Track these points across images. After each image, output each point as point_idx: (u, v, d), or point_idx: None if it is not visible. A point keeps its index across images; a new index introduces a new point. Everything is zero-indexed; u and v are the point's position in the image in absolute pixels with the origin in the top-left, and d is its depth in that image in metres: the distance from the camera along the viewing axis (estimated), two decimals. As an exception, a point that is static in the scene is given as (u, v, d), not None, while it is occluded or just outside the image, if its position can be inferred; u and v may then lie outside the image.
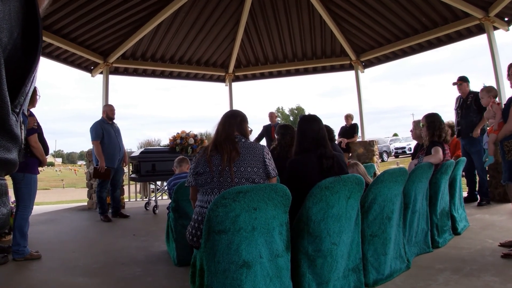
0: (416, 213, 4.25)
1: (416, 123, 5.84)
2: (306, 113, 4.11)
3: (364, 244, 3.44)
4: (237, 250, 2.51)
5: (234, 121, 3.15)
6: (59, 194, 19.43)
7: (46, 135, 4.88)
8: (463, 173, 6.75)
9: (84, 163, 10.76)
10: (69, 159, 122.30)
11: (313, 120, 3.57)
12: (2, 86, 0.66)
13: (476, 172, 7.33)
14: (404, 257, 3.83)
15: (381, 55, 11.25)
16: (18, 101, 0.74)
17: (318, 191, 2.91)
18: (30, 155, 4.58)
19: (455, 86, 7.45)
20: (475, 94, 7.03)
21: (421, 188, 4.34)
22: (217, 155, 2.93)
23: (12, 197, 5.00)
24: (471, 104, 7.12)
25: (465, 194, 7.49)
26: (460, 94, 7.44)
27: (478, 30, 9.05)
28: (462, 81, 7.35)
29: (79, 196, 14.16)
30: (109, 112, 7.71)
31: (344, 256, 3.14)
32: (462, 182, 7.21)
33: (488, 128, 5.86)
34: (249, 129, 3.27)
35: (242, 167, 2.89)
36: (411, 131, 6.06)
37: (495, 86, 7.67)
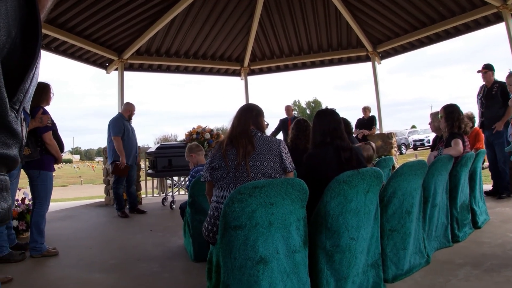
0: (436, 207, 4.17)
1: (433, 115, 5.74)
2: (323, 107, 4.06)
3: (383, 239, 3.38)
4: (254, 246, 2.48)
5: (249, 115, 3.11)
6: (77, 191, 19.64)
7: (64, 133, 4.90)
8: (484, 165, 6.59)
9: (102, 159, 10.84)
10: (87, 155, 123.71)
11: (323, 114, 3.56)
12: None
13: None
14: (424, 252, 3.76)
15: (398, 46, 11.05)
16: (17, 98, 0.75)
17: (336, 185, 2.85)
18: (45, 152, 4.59)
19: (479, 75, 7.23)
20: (501, 83, 6.83)
21: (441, 181, 4.25)
22: (232, 150, 2.90)
23: (29, 194, 5.04)
24: (496, 94, 6.87)
25: (489, 187, 7.34)
26: (484, 83, 7.20)
27: (496, 18, 8.83)
28: (487, 69, 7.07)
29: (97, 193, 14.27)
30: (133, 111, 7.78)
31: (363, 251, 3.08)
32: (487, 175, 7.06)
33: None
34: (265, 123, 3.22)
35: (258, 161, 2.84)
36: (429, 124, 5.96)
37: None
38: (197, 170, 4.88)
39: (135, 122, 7.97)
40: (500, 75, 7.09)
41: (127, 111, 7.78)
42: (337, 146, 3.24)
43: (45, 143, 4.56)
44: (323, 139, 3.32)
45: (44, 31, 8.13)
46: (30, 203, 5.53)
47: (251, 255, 2.47)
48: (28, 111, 0.85)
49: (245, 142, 2.88)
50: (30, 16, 0.77)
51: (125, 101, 8.55)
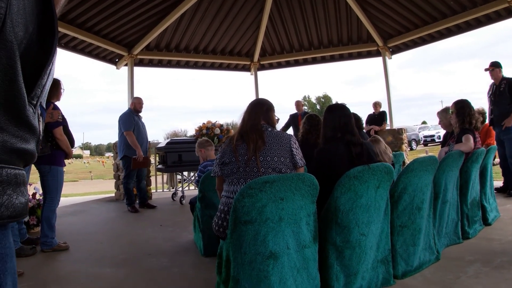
0: (447, 203, 4.13)
1: (441, 113, 5.69)
2: (333, 102, 4.05)
3: (393, 235, 3.35)
4: (264, 241, 2.47)
5: (260, 110, 3.10)
6: (87, 186, 19.77)
7: (74, 128, 4.92)
8: (494, 161, 6.54)
9: (112, 154, 10.91)
10: (97, 151, 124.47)
11: (333, 108, 3.53)
12: (18, 78, 0.68)
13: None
14: (434, 249, 3.74)
15: (409, 41, 10.97)
16: (35, 93, 0.75)
17: (346, 180, 2.84)
18: (56, 147, 4.62)
19: (487, 72, 7.17)
20: (509, 80, 6.78)
21: (451, 177, 4.21)
22: (243, 145, 2.89)
23: (40, 189, 5.07)
24: (504, 91, 6.82)
25: (500, 183, 7.28)
26: (493, 80, 7.17)
27: (508, 13, 8.74)
28: (494, 67, 7.01)
29: (107, 188, 14.35)
30: (137, 104, 7.77)
31: (373, 247, 3.07)
32: (497, 171, 6.98)
33: None
34: (276, 118, 3.21)
35: (268, 156, 2.83)
36: (439, 123, 5.91)
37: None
38: (205, 165, 4.88)
39: (144, 117, 7.99)
40: (509, 72, 7.03)
41: (131, 104, 7.85)
42: (347, 141, 3.22)
43: (55, 138, 4.59)
44: (333, 134, 3.31)
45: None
46: (40, 198, 5.57)
47: (261, 250, 2.47)
48: (44, 106, 0.86)
49: (256, 137, 2.87)
50: (46, 12, 0.77)
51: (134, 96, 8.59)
